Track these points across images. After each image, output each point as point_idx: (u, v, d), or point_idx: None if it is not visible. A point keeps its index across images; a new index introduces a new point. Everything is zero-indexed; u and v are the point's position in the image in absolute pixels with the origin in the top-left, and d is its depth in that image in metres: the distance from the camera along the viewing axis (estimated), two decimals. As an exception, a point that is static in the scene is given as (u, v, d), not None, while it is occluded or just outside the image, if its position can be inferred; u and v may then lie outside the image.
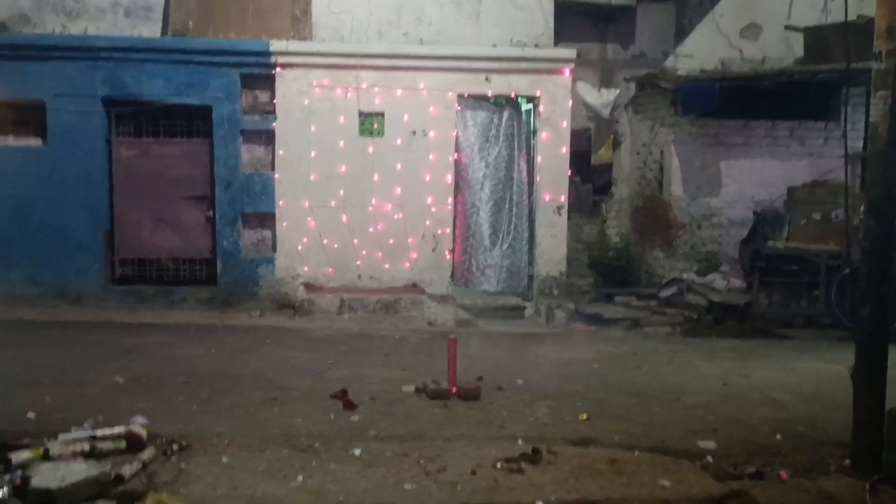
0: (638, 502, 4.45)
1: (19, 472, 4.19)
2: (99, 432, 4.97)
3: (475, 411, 6.15)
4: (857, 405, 5.01)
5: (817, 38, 11.29)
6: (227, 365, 7.50)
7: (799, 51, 11.67)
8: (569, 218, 11.21)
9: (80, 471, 4.13)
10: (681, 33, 12.94)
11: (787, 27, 11.85)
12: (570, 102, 11.00)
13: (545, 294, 10.93)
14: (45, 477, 4.00)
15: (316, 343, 8.70)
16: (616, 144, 13.13)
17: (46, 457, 4.51)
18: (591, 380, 7.39)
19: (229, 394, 6.44)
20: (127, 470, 4.40)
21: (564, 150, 10.92)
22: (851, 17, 8.84)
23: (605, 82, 12.95)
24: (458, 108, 10.85)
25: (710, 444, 5.48)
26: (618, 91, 12.43)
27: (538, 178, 10.98)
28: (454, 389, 6.49)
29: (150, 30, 10.62)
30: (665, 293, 11.27)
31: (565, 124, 10.90)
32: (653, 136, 12.24)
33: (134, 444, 4.86)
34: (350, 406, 6.12)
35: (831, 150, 11.60)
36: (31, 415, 5.59)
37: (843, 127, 11.09)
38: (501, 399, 6.53)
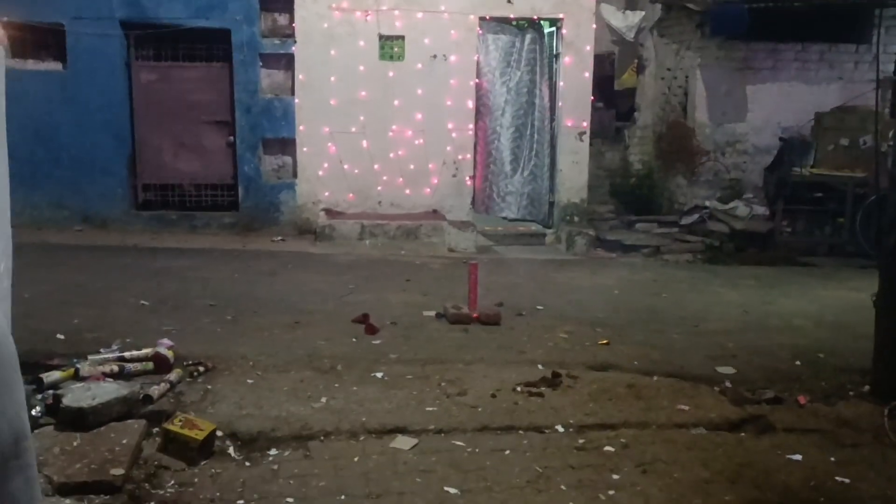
0: (656, 426, 4.50)
1: (51, 392, 4.31)
2: (127, 354, 5.08)
3: (495, 336, 6.21)
4: (879, 332, 5.00)
5: (852, -42, 10.92)
6: (250, 289, 7.59)
7: (832, -29, 11.29)
8: (591, 144, 11.10)
9: (111, 390, 4.23)
10: (710, -48, 12.54)
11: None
12: (594, 25, 10.76)
13: (566, 221, 10.90)
14: (77, 396, 4.10)
15: (337, 268, 8.76)
16: (640, 69, 12.88)
17: (77, 377, 4.62)
18: (611, 306, 7.41)
19: (253, 317, 6.53)
20: (155, 390, 4.50)
21: (587, 74, 10.73)
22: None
23: (631, 4, 12.62)
24: (480, 31, 10.65)
25: (729, 370, 5.52)
26: (643, 13, 12.13)
27: (560, 104, 10.83)
28: (475, 314, 6.54)
29: (166, -50, 10.45)
30: (687, 220, 11.20)
31: (588, 48, 10.69)
32: (678, 60, 11.99)
33: (161, 365, 4.96)
34: (372, 330, 6.19)
35: (862, 75, 11.31)
36: (60, 336, 5.70)
37: (875, 50, 10.80)
38: (521, 324, 6.58)
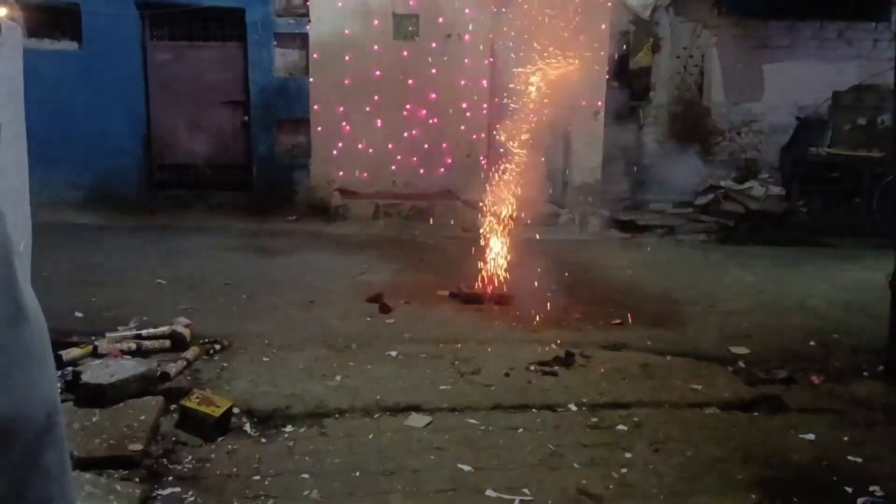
0: (669, 405, 4.52)
1: (70, 369, 4.36)
2: (144, 332, 5.13)
3: (509, 316, 6.23)
4: (894, 312, 4.98)
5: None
6: (265, 268, 7.63)
7: (852, -53, 11.13)
8: (605, 124, 11.03)
9: (129, 367, 4.28)
10: (727, -71, 12.37)
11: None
12: (609, 3, 10.67)
13: (580, 201, 10.86)
14: (95, 373, 4.16)
15: (351, 248, 8.78)
16: (655, 48, 12.76)
17: (95, 354, 4.68)
18: (624, 286, 7.40)
19: (268, 296, 6.57)
20: (172, 368, 4.55)
21: (602, 53, 10.65)
22: None
23: (646, -18, 12.50)
24: (494, 9, 10.58)
25: (742, 350, 5.52)
26: (659, -9, 12.02)
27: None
28: (488, 294, 6.56)
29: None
30: (702, 200, 11.14)
31: (604, 26, 10.60)
32: (694, 38, 11.87)
33: (178, 343, 5.01)
34: (385, 309, 6.22)
35: (881, 53, 11.16)
36: (79, 314, 5.76)
37: (894, 28, 10.67)
38: (535, 304, 6.58)
